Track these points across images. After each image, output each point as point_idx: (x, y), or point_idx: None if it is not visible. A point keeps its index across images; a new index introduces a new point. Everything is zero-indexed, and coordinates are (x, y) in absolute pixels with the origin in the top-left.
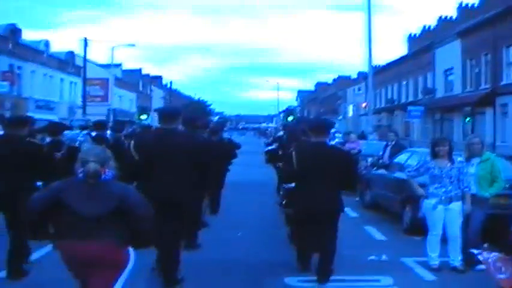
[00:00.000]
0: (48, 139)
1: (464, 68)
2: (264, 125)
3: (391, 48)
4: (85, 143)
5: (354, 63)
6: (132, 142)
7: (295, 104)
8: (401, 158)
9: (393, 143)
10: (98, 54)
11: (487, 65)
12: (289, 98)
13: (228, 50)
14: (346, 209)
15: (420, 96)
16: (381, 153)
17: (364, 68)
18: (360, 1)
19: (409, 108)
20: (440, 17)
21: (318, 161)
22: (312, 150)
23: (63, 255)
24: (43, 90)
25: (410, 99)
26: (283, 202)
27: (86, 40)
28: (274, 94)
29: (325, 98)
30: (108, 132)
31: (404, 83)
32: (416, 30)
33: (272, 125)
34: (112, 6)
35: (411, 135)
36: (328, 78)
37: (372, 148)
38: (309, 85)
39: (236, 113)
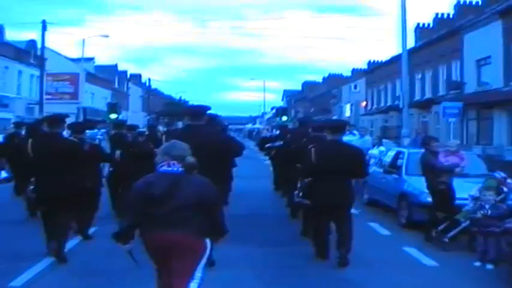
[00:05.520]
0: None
1: (508, 55)
2: (249, 126)
3: (391, 46)
4: (103, 142)
5: (338, 63)
6: (164, 136)
7: (281, 104)
8: None
9: None
10: (69, 51)
11: None
12: (272, 99)
13: (210, 52)
14: None
15: (442, 92)
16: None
17: (362, 65)
18: (339, 3)
19: (444, 105)
20: (458, 2)
21: (335, 156)
22: (330, 146)
23: (147, 244)
24: None
25: (428, 95)
26: (300, 194)
27: (44, 22)
28: (256, 95)
29: (315, 97)
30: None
31: (419, 77)
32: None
33: (258, 125)
34: (89, 8)
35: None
36: (313, 78)
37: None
38: (293, 85)
39: (217, 114)
